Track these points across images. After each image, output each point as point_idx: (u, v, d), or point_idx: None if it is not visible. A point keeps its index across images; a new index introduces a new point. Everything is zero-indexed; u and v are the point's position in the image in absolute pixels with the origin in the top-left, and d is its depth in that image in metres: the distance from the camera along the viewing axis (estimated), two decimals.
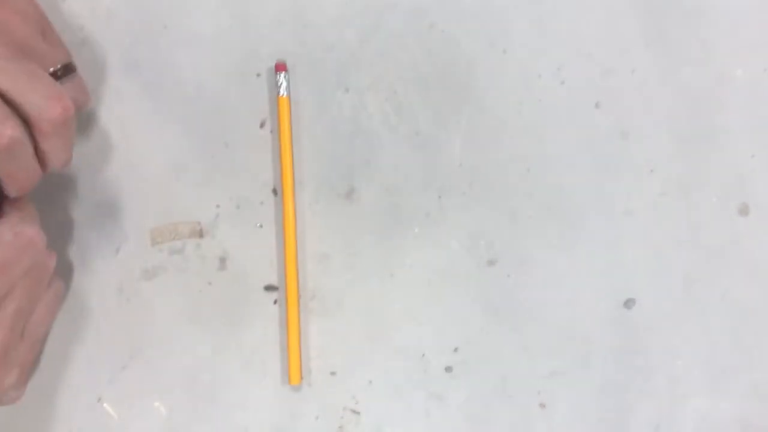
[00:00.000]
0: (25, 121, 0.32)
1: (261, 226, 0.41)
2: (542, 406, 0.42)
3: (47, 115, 0.32)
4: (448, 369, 0.42)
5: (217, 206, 0.41)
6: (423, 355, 0.42)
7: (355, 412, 0.41)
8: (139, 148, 0.41)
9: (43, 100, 0.32)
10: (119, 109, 0.41)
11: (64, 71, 0.36)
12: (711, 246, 0.44)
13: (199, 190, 0.41)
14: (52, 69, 0.36)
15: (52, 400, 0.40)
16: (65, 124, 0.33)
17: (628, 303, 0.43)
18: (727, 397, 0.43)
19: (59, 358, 0.40)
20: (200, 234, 0.41)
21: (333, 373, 0.41)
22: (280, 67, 0.41)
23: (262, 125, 0.42)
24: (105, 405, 0.40)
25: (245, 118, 0.42)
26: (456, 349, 0.42)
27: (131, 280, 0.41)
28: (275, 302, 0.41)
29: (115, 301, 0.40)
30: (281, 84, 0.41)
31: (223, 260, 0.41)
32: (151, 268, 0.41)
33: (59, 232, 0.40)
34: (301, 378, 0.41)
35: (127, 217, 0.41)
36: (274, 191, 0.42)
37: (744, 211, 0.44)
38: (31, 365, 0.38)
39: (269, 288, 0.41)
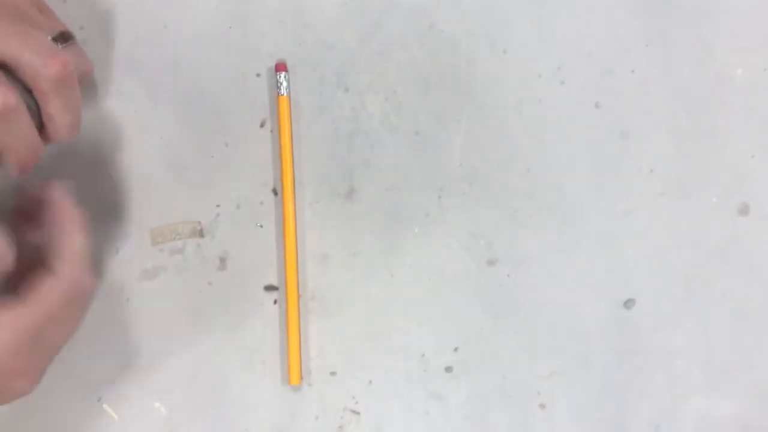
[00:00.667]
0: (24, 86, 0.31)
1: (261, 226, 0.41)
2: (542, 406, 0.42)
3: (45, 72, 0.31)
4: (448, 369, 0.42)
5: (217, 206, 0.41)
6: (423, 355, 0.42)
7: (355, 412, 0.41)
8: (139, 148, 0.41)
9: (38, 58, 0.31)
10: (119, 109, 0.41)
11: (62, 38, 0.35)
12: (711, 246, 0.44)
13: (199, 190, 0.41)
14: (49, 37, 0.35)
15: (52, 400, 0.40)
16: (65, 82, 0.32)
17: (628, 303, 0.43)
18: (727, 397, 0.43)
19: (59, 358, 0.40)
20: (200, 234, 0.41)
21: (333, 373, 0.41)
22: (280, 67, 0.41)
23: (262, 125, 0.42)
24: (105, 405, 0.40)
25: (245, 118, 0.42)
26: (456, 349, 0.42)
27: (131, 280, 0.41)
28: (275, 302, 0.41)
29: (115, 301, 0.40)
30: (281, 84, 0.41)
31: (223, 260, 0.41)
32: (151, 268, 0.41)
33: None
34: (301, 378, 0.41)
35: (127, 217, 0.41)
36: (274, 191, 0.42)
37: (744, 211, 0.44)
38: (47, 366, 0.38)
39: (269, 288, 0.41)
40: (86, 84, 0.39)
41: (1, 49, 0.30)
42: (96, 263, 0.40)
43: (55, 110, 0.32)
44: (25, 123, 0.31)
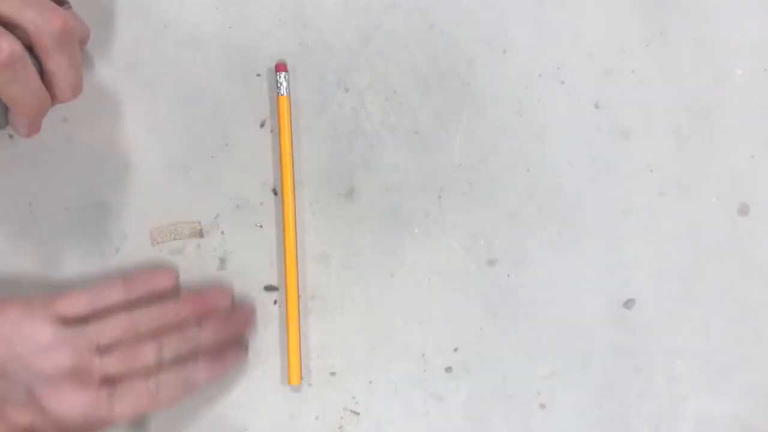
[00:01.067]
0: (26, 43, 0.31)
1: (261, 226, 0.41)
2: (542, 406, 0.42)
3: (46, 27, 0.31)
4: (448, 369, 0.42)
5: (217, 206, 0.41)
6: (423, 355, 0.42)
7: (355, 412, 0.41)
8: (139, 148, 0.41)
9: (39, 14, 0.31)
10: (119, 109, 0.41)
11: (57, 3, 0.35)
12: (711, 246, 0.44)
13: (199, 190, 0.41)
14: None
15: None
16: (66, 37, 0.32)
17: (628, 303, 0.43)
18: (727, 397, 0.43)
19: None
20: (200, 234, 0.41)
21: (333, 373, 0.41)
22: (280, 67, 0.41)
23: (262, 125, 0.42)
24: None
25: (245, 118, 0.42)
26: (456, 349, 0.42)
27: None
28: (275, 302, 0.41)
29: None
30: (281, 84, 0.41)
31: (223, 260, 0.41)
32: (151, 268, 0.41)
33: (60, 232, 0.40)
34: (301, 378, 0.41)
35: (127, 217, 0.41)
36: (274, 191, 0.42)
37: (744, 211, 0.44)
38: None
39: (269, 288, 0.41)
40: (84, 46, 0.38)
41: (1, 8, 0.30)
42: (95, 262, 0.40)
43: (58, 67, 0.33)
44: (31, 74, 0.32)
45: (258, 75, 0.42)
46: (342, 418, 0.41)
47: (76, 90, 0.34)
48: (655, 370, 0.43)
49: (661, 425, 0.43)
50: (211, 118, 0.41)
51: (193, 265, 0.41)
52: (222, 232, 0.41)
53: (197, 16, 0.42)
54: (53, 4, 0.32)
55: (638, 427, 0.42)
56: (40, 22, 0.31)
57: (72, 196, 0.40)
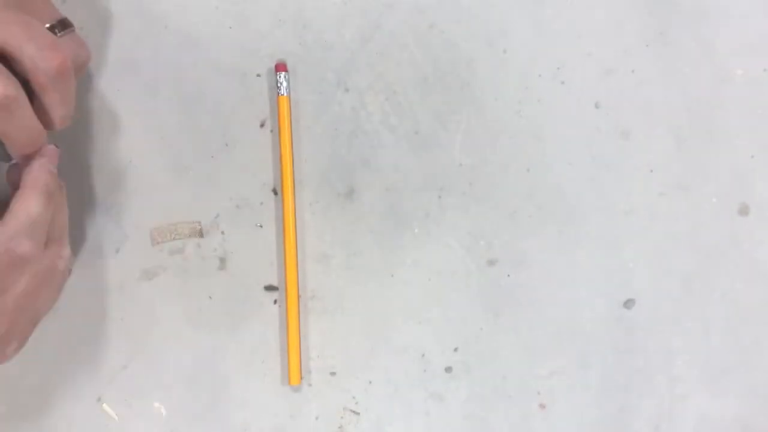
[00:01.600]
0: (22, 75, 0.31)
1: (261, 226, 0.41)
2: (542, 406, 0.42)
3: (44, 66, 0.31)
4: (448, 369, 0.42)
5: (217, 206, 0.41)
6: (423, 355, 0.42)
7: (355, 412, 0.41)
8: (139, 148, 0.41)
9: (39, 51, 0.31)
10: (119, 109, 0.41)
11: (62, 26, 0.35)
12: (711, 246, 0.44)
13: (199, 190, 0.41)
14: (48, 24, 0.35)
15: (52, 400, 0.40)
16: (63, 77, 0.32)
17: (628, 303, 0.43)
18: (727, 397, 0.43)
19: (59, 358, 0.40)
20: (200, 234, 0.41)
21: (333, 373, 0.41)
22: (280, 67, 0.41)
23: (262, 125, 0.42)
24: (105, 405, 0.40)
25: (245, 118, 0.42)
26: (456, 349, 0.42)
27: (131, 280, 0.41)
28: (275, 302, 0.41)
29: (115, 301, 0.40)
30: (281, 84, 0.41)
31: (223, 260, 0.41)
32: (151, 268, 0.41)
33: None
34: (301, 378, 0.41)
35: (127, 217, 0.41)
36: (274, 191, 0.42)
37: (744, 211, 0.44)
38: (29, 335, 0.36)
39: (269, 288, 0.41)
40: (83, 74, 0.39)
41: (2, 38, 0.30)
42: (95, 262, 0.40)
43: (50, 103, 0.33)
44: (25, 112, 0.32)
45: (258, 75, 0.42)
46: (342, 418, 0.41)
47: (64, 122, 0.34)
48: (655, 370, 0.43)
49: (661, 425, 0.43)
50: (211, 118, 0.41)
51: (193, 265, 0.41)
52: (222, 232, 0.41)
53: (197, 17, 0.42)
54: (54, 41, 0.32)
55: (638, 427, 0.42)
56: (39, 60, 0.31)
57: (72, 196, 0.40)
